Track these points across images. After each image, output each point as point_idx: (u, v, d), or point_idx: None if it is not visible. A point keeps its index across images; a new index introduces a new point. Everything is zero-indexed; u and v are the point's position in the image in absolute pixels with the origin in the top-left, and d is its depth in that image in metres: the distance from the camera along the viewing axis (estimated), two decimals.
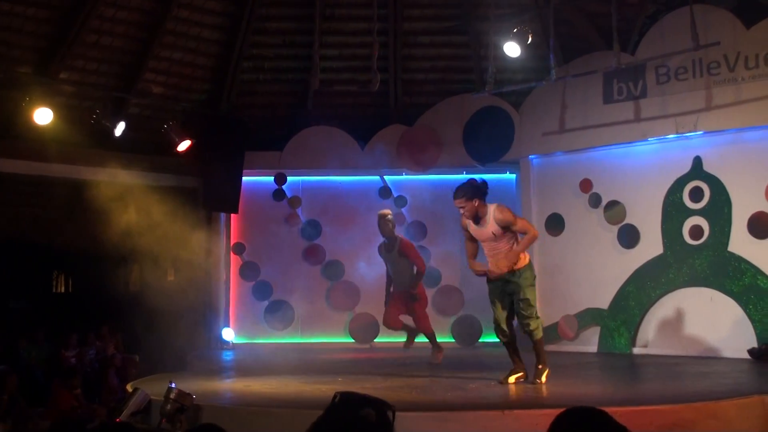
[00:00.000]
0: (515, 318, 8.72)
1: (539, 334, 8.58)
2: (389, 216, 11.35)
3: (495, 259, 8.47)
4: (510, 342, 8.76)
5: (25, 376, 12.13)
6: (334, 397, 2.90)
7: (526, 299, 8.43)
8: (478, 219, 8.43)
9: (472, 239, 8.73)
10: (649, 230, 12.88)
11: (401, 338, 12.86)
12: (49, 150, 12.71)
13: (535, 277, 8.63)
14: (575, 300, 13.42)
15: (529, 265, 8.56)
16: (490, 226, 8.36)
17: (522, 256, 8.45)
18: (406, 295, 11.33)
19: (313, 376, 9.79)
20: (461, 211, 8.48)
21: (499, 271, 8.39)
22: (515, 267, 8.40)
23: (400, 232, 14.70)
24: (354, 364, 11.88)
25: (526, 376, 8.74)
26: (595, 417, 2.86)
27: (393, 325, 11.57)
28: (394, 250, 11.28)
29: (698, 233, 12.36)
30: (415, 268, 11.37)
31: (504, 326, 8.66)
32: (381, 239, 11.51)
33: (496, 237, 8.37)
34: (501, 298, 8.62)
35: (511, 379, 8.71)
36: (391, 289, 11.53)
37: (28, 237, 13.42)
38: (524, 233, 8.40)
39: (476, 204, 8.39)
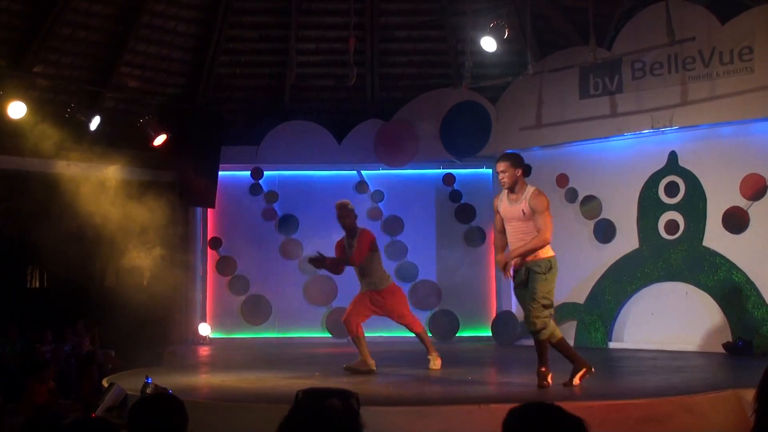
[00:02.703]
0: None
1: (544, 335, 7.90)
2: (350, 205, 10.04)
3: (516, 243, 7.97)
4: (555, 343, 8.05)
5: None
6: (297, 395, 2.90)
7: (533, 292, 7.86)
8: (513, 190, 7.97)
9: (501, 229, 8.21)
10: (624, 225, 12.94)
11: (378, 332, 12.88)
12: (23, 144, 12.59)
13: (550, 268, 7.91)
14: None
15: (547, 260, 7.92)
16: (523, 204, 7.89)
17: (544, 248, 7.91)
18: (375, 297, 9.86)
19: (290, 371, 9.77)
20: (502, 176, 7.99)
21: (505, 260, 7.95)
22: (530, 258, 7.89)
23: (377, 226, 14.76)
24: (331, 359, 11.86)
25: (590, 368, 8.10)
26: (548, 412, 2.84)
27: (354, 330, 9.82)
28: (355, 245, 9.86)
29: (674, 228, 12.44)
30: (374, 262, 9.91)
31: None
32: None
33: (525, 217, 7.88)
34: (523, 299, 8.10)
35: (576, 379, 8.03)
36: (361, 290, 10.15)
37: (2, 232, 13.30)
38: (538, 230, 7.86)
39: (518, 174, 7.98)
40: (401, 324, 10.03)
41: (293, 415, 2.74)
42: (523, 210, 7.91)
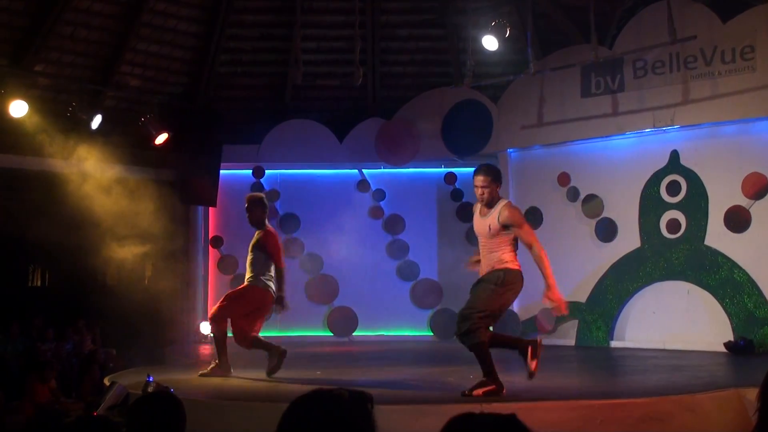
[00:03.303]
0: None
1: (469, 341, 7.33)
2: (264, 198, 9.84)
3: (485, 260, 7.55)
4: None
5: (0, 371, 12.04)
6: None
7: (472, 298, 7.48)
8: (490, 205, 7.53)
9: None
10: (626, 224, 12.93)
11: (379, 331, 12.87)
12: (25, 143, 12.61)
13: (503, 282, 7.39)
14: None
15: (507, 270, 7.41)
16: (491, 219, 7.43)
17: (509, 258, 7.43)
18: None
19: (291, 369, 9.75)
20: (481, 190, 7.54)
21: (558, 302, 7.29)
22: (501, 265, 7.41)
23: (378, 225, 14.76)
24: (332, 358, 11.87)
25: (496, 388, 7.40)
26: (503, 424, 2.71)
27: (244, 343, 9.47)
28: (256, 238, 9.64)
29: (675, 227, 12.42)
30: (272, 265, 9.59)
31: None
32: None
33: (490, 232, 7.42)
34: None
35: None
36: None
37: (3, 230, 13.29)
38: (528, 244, 7.37)
39: (497, 189, 7.56)
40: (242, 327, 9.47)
41: (298, 407, 2.71)
42: (489, 225, 7.45)
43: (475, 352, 7.37)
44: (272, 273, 9.55)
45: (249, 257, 9.71)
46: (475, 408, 6.60)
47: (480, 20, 12.89)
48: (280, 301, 9.39)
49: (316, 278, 14.97)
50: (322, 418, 2.65)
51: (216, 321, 9.47)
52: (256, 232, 9.73)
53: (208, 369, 9.43)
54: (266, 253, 9.48)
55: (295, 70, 13.19)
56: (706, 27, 11.88)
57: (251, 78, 15.62)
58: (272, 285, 9.51)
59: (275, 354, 9.31)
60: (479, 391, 7.30)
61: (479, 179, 7.59)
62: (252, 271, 9.57)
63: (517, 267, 7.45)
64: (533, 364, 7.37)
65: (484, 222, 7.56)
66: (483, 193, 7.59)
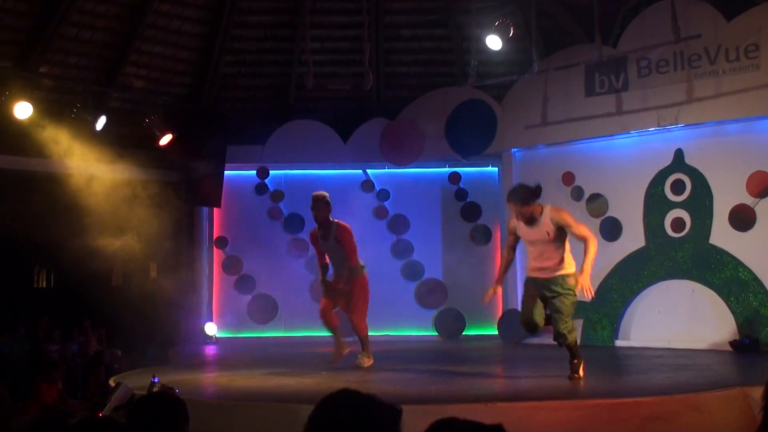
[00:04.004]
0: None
1: (571, 339, 8.25)
2: (327, 198, 9.99)
3: (540, 261, 8.19)
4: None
5: (7, 371, 12.07)
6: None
7: (561, 311, 8.12)
8: (533, 220, 8.11)
9: (513, 246, 8.54)
10: (631, 223, 12.92)
11: (384, 331, 12.88)
12: (30, 145, 12.62)
13: (575, 286, 8.12)
14: None
15: (575, 274, 8.14)
16: (545, 225, 8.07)
17: (568, 261, 8.20)
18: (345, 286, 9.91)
19: (296, 370, 9.77)
20: (520, 217, 8.14)
21: (582, 283, 7.99)
22: (558, 273, 8.14)
23: (382, 225, 14.77)
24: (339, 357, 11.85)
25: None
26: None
27: (328, 320, 10.01)
28: (330, 237, 9.83)
29: (680, 226, 12.41)
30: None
31: (537, 320, 8.31)
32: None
33: (549, 237, 8.06)
34: (538, 296, 8.28)
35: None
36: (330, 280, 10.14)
37: (9, 232, 13.31)
38: (583, 238, 8.07)
39: (533, 206, 8.10)
40: (351, 318, 9.98)
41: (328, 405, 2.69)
42: (547, 232, 8.06)
43: (572, 348, 8.33)
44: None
45: (332, 254, 9.98)
46: (480, 408, 6.61)
47: (484, 20, 12.89)
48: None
49: None
50: (351, 420, 2.63)
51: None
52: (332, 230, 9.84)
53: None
54: (341, 244, 9.79)
55: (305, 73, 13.11)
56: (710, 25, 11.86)
57: (255, 79, 15.64)
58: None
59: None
60: (581, 372, 8.32)
61: (513, 207, 8.17)
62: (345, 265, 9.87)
63: (574, 266, 8.21)
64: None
65: (538, 231, 8.13)
66: (521, 218, 8.16)
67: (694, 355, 11.07)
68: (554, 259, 8.13)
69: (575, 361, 8.32)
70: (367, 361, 9.83)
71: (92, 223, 12.76)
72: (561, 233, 8.12)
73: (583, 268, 7.97)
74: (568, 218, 8.13)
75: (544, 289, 8.20)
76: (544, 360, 10.22)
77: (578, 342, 8.52)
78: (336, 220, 9.88)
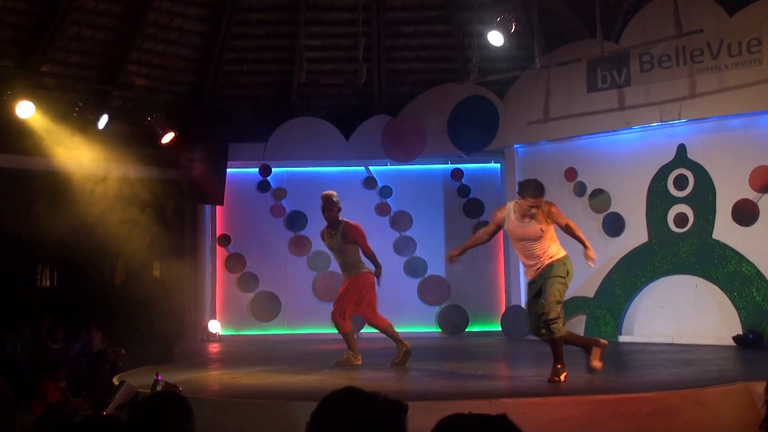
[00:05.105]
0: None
1: (559, 334, 7.88)
2: (335, 197, 9.98)
3: (529, 258, 7.96)
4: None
5: (10, 370, 12.08)
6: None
7: (549, 296, 7.77)
8: (533, 216, 7.79)
9: (491, 235, 8.34)
10: (634, 218, 12.91)
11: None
12: (32, 143, 12.63)
13: (568, 273, 7.92)
14: None
15: (563, 260, 7.93)
16: (539, 222, 7.79)
17: (556, 249, 7.94)
18: (358, 283, 9.86)
19: (299, 367, 9.77)
20: (534, 211, 7.75)
21: (593, 260, 7.95)
22: (548, 261, 7.88)
23: (385, 222, 14.77)
24: (340, 355, 11.85)
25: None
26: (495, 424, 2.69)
27: (342, 324, 9.86)
28: (338, 235, 9.85)
29: (683, 221, 12.40)
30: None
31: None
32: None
33: (542, 234, 7.81)
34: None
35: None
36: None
37: (12, 231, 13.33)
38: (567, 225, 7.96)
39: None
40: (365, 314, 9.94)
41: (330, 404, 2.67)
42: (541, 228, 7.83)
43: (556, 343, 7.89)
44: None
45: (340, 252, 9.98)
46: (484, 404, 6.61)
47: (485, 16, 12.87)
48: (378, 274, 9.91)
49: (324, 275, 14.98)
50: (355, 418, 2.62)
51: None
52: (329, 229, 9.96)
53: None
54: (356, 243, 9.85)
55: (299, 69, 13.16)
56: (712, 20, 11.85)
57: (257, 76, 15.63)
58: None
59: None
60: (563, 376, 7.87)
61: (531, 202, 7.77)
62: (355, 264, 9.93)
63: (564, 253, 8.00)
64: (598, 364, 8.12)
65: (531, 228, 7.86)
66: (536, 213, 7.81)
67: (697, 350, 11.06)
68: (542, 252, 7.90)
69: (558, 366, 7.92)
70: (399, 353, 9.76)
71: (95, 221, 12.76)
72: (550, 228, 7.96)
73: (587, 243, 7.94)
74: (558, 213, 7.91)
75: (538, 283, 7.98)
76: (548, 356, 10.20)
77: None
78: (345, 219, 9.93)
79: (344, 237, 9.79)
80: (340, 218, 9.92)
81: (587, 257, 7.93)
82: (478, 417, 2.57)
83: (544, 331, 7.91)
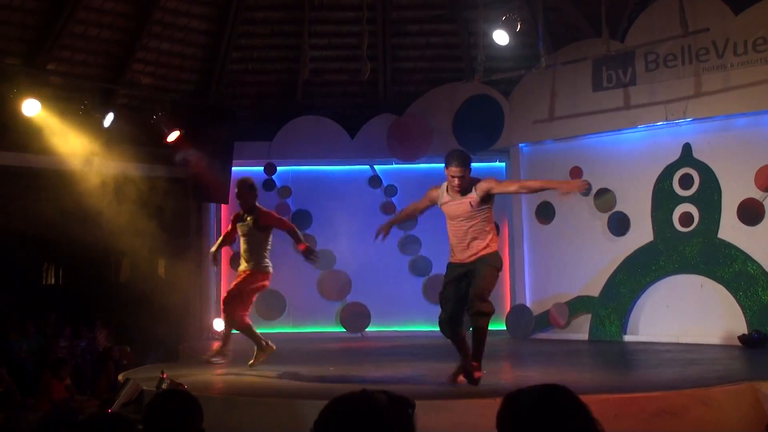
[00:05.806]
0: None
1: (483, 322, 7.73)
2: (253, 182, 9.88)
3: (462, 242, 7.66)
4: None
5: (16, 368, 12.12)
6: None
7: (482, 280, 7.52)
8: (466, 192, 7.53)
9: (421, 211, 8.27)
10: (639, 218, 12.90)
11: (392, 327, 12.83)
12: (38, 142, 12.64)
13: (501, 266, 7.78)
14: (566, 288, 13.44)
15: (495, 253, 7.68)
16: (469, 196, 7.52)
17: (492, 243, 7.64)
18: (255, 279, 9.90)
19: (304, 365, 9.78)
20: (459, 181, 7.45)
21: (578, 188, 7.80)
22: (481, 253, 7.59)
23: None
24: (345, 354, 11.88)
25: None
26: (559, 395, 2.76)
27: (239, 322, 9.82)
28: (251, 221, 9.81)
29: (688, 220, 12.39)
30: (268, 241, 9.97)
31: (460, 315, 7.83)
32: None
33: (472, 210, 7.52)
34: (456, 290, 7.74)
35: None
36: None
37: (18, 229, 13.36)
38: (517, 184, 8.00)
39: (469, 174, 7.56)
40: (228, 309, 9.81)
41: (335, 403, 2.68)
42: (470, 202, 7.55)
43: (480, 333, 7.76)
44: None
45: (247, 241, 9.86)
46: (489, 403, 6.61)
47: (491, 15, 12.86)
48: (310, 252, 9.81)
49: (328, 274, 14.98)
50: (361, 420, 2.63)
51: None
52: (249, 217, 9.83)
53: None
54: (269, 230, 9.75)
55: (303, 66, 13.15)
56: (718, 19, 11.84)
57: (262, 75, 15.62)
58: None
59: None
60: (479, 374, 7.67)
61: (456, 170, 7.49)
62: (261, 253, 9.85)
63: (496, 248, 7.71)
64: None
65: (462, 203, 7.59)
66: (460, 183, 7.54)
67: (702, 349, 11.05)
68: (476, 235, 7.64)
69: (475, 363, 7.72)
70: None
71: (100, 220, 12.78)
72: (484, 205, 7.61)
73: (557, 186, 7.99)
74: (492, 181, 7.64)
75: (464, 272, 7.68)
76: (552, 355, 10.21)
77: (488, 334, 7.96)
78: (260, 206, 9.86)
79: (256, 223, 9.72)
80: (256, 204, 9.82)
81: (563, 194, 8.02)
82: (540, 387, 2.62)
83: (471, 314, 7.65)
